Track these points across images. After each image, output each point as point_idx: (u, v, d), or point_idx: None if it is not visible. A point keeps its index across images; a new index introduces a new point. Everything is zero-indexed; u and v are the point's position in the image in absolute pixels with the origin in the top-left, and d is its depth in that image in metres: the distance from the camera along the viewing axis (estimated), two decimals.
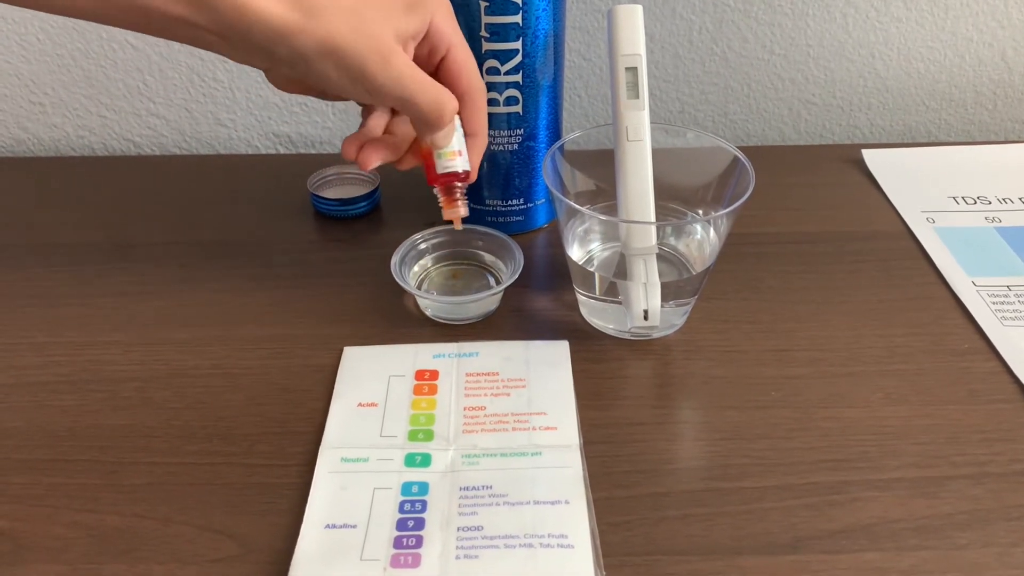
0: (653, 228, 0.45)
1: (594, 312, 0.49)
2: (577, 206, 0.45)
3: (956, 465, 0.40)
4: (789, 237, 0.56)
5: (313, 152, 0.70)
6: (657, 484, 0.40)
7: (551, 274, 0.54)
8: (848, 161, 0.65)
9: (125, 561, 0.36)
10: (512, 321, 0.50)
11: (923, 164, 0.64)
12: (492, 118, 0.52)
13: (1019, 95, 0.70)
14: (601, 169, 0.49)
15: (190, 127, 0.69)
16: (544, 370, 0.46)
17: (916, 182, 0.61)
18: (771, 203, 0.59)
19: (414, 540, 0.36)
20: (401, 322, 0.49)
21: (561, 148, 0.49)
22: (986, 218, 0.58)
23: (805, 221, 0.58)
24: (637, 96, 0.46)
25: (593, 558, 0.35)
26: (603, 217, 0.46)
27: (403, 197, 0.61)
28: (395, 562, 0.35)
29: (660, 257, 0.46)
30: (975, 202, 0.59)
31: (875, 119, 0.71)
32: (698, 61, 0.67)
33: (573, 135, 0.50)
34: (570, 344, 0.47)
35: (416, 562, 0.35)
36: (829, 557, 0.36)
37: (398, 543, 0.36)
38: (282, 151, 0.70)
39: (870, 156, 0.64)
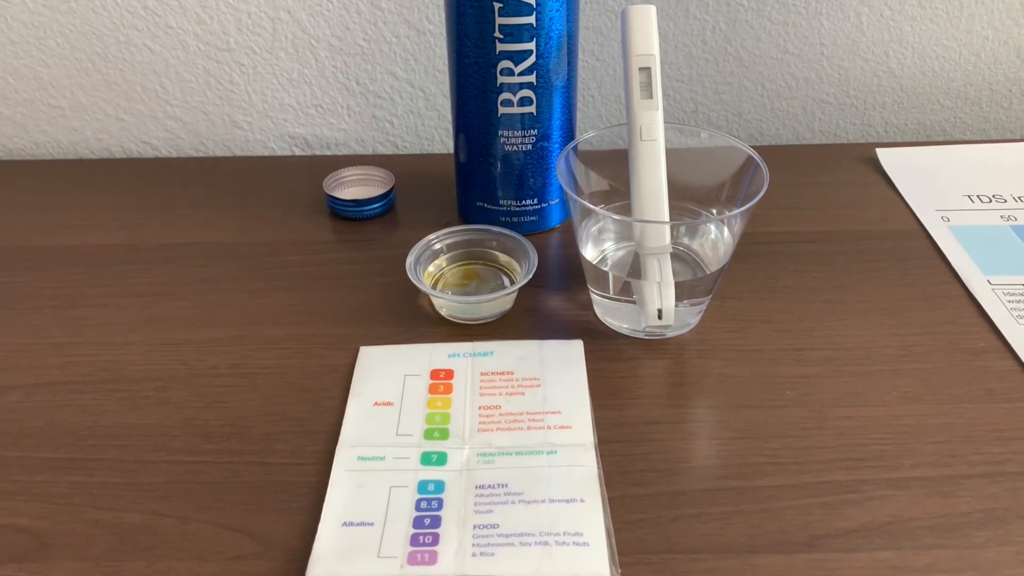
0: (667, 227, 0.46)
1: (608, 312, 0.49)
2: (591, 205, 0.46)
3: (973, 464, 0.40)
4: (803, 236, 0.56)
5: (328, 154, 0.71)
6: (672, 483, 0.40)
7: (565, 274, 0.54)
8: (862, 160, 0.64)
9: (146, 559, 0.37)
10: (526, 321, 0.50)
11: (938, 163, 0.63)
12: (506, 118, 0.52)
13: None
14: (615, 169, 0.49)
15: (207, 129, 0.69)
16: (558, 369, 0.46)
17: (931, 181, 0.61)
18: (785, 202, 0.59)
19: (431, 538, 0.37)
20: (416, 322, 0.50)
21: (575, 148, 0.49)
22: (1002, 216, 0.57)
23: (819, 220, 0.58)
24: (651, 96, 0.46)
25: (608, 556, 0.36)
26: (617, 217, 0.46)
27: (418, 198, 0.61)
28: (412, 559, 0.36)
29: (674, 256, 0.46)
30: (990, 200, 0.59)
31: (889, 118, 0.70)
32: (712, 61, 0.67)
33: (587, 135, 0.50)
34: (584, 343, 0.47)
35: (433, 559, 0.36)
36: (845, 556, 0.36)
37: (415, 541, 0.37)
38: (298, 153, 0.71)
39: (884, 155, 0.64)
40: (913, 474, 0.40)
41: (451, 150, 0.57)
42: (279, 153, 0.71)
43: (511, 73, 0.50)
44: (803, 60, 0.68)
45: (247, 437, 0.43)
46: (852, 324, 0.49)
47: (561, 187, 0.56)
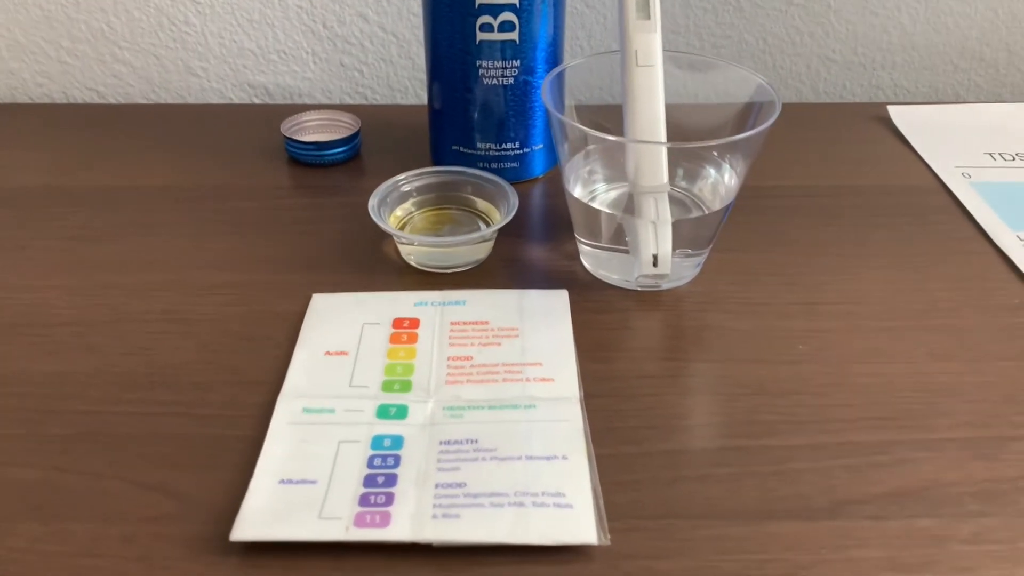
0: (664, 161, 0.40)
1: (598, 262, 0.44)
2: (582, 127, 0.40)
3: (1016, 425, 0.35)
4: (813, 190, 0.51)
5: (291, 103, 0.65)
6: (670, 441, 0.34)
7: (550, 224, 0.49)
8: (873, 118, 0.59)
9: (39, 519, 0.31)
10: (505, 271, 0.44)
11: (954, 121, 0.58)
12: (485, 46, 0.46)
13: None
14: (605, 112, 0.43)
15: (158, 75, 0.63)
16: (540, 319, 0.40)
17: (948, 138, 0.56)
18: (792, 156, 0.54)
19: (383, 497, 0.31)
20: (380, 271, 0.44)
21: (561, 74, 0.44)
22: None
23: (830, 175, 0.53)
24: (648, 16, 0.41)
25: (596, 520, 0.30)
26: (612, 138, 0.40)
27: (386, 146, 0.55)
28: (360, 521, 0.30)
29: (673, 200, 0.41)
30: (1013, 158, 0.54)
31: (899, 79, 0.65)
32: (710, 11, 0.62)
33: (575, 61, 0.44)
34: (570, 295, 0.42)
35: (385, 521, 0.30)
36: (875, 523, 0.31)
37: (364, 500, 0.31)
38: (257, 102, 0.65)
39: (897, 112, 0.59)
40: (949, 435, 0.34)
41: (425, 102, 0.51)
42: (237, 102, 0.65)
43: None
44: (808, 13, 0.62)
45: (175, 387, 0.36)
46: (870, 278, 0.43)
47: (546, 129, 0.51)
